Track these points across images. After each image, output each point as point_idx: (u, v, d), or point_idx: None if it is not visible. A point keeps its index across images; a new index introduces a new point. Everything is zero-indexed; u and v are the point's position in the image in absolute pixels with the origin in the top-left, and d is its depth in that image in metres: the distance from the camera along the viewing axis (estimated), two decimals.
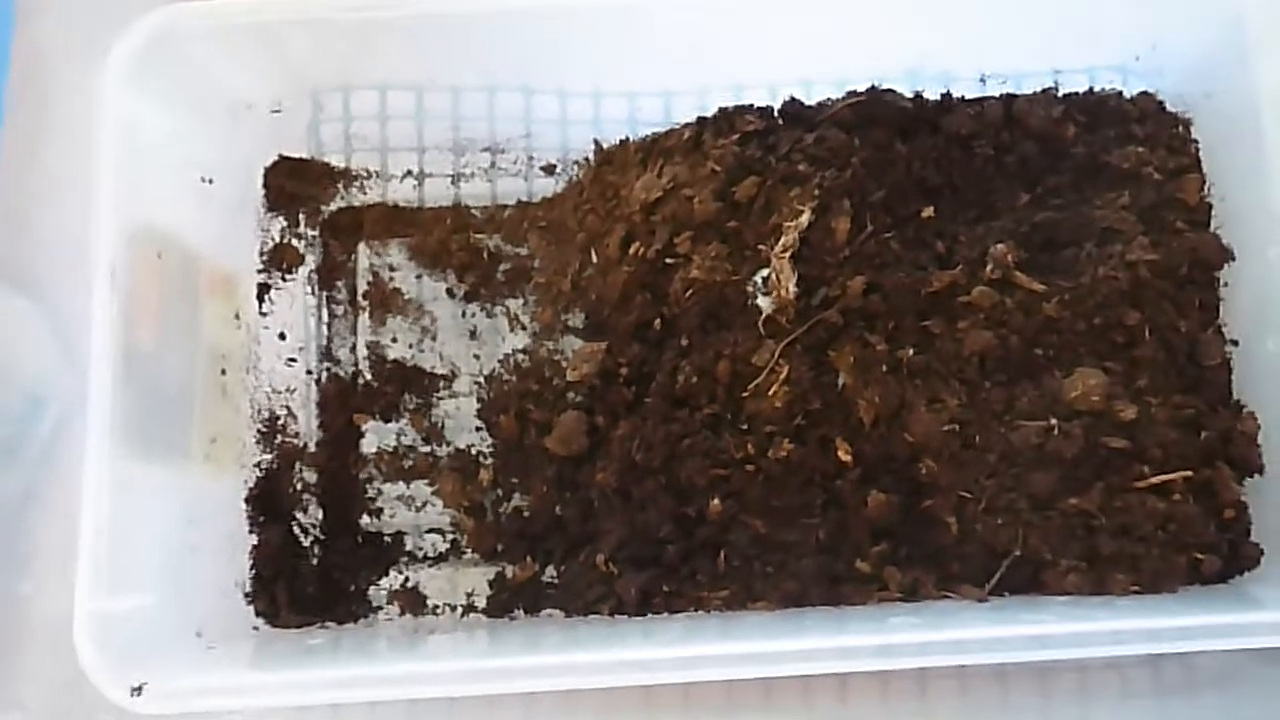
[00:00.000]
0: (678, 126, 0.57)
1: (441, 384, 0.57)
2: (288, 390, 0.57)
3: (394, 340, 0.58)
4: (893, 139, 0.55)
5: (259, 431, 0.56)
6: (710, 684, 0.52)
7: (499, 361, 0.57)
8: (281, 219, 0.59)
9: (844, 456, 0.51)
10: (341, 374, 0.58)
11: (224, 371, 0.54)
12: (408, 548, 0.56)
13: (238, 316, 0.56)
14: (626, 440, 0.52)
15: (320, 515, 0.56)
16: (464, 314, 0.58)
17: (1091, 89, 0.57)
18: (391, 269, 0.59)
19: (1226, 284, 0.54)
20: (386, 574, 0.55)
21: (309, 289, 0.58)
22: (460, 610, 0.55)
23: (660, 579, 0.51)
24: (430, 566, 0.56)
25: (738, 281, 0.53)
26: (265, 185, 0.58)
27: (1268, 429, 0.52)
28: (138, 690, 0.44)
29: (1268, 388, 0.53)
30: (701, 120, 0.56)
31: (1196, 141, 0.56)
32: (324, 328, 0.58)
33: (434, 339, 0.58)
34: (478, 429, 0.57)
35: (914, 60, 0.57)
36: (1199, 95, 0.56)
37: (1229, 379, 0.54)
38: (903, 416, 0.51)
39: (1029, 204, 0.55)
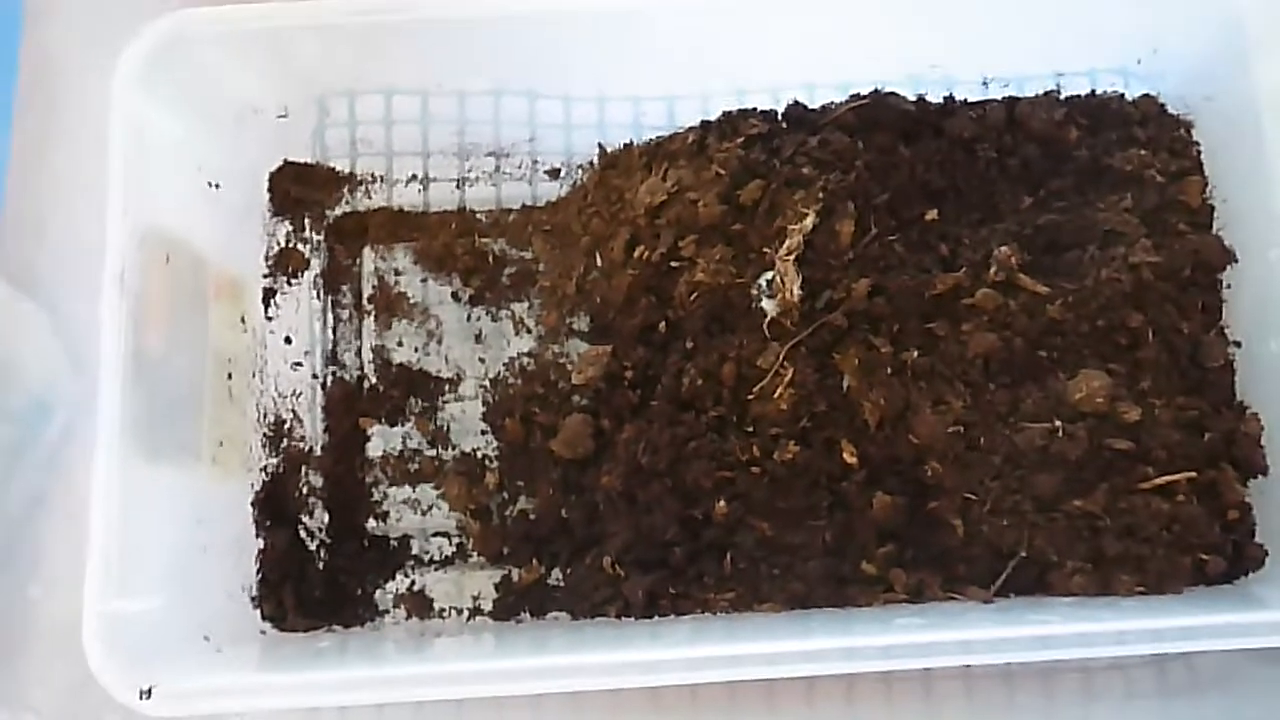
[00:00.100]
0: (681, 130, 0.57)
1: (447, 387, 0.58)
2: (293, 394, 0.57)
3: (399, 344, 0.58)
4: (896, 142, 0.55)
5: (265, 435, 0.56)
6: (716, 685, 0.52)
7: (504, 365, 0.57)
8: (287, 223, 0.59)
9: (849, 458, 0.51)
10: (347, 378, 0.58)
11: (230, 375, 0.54)
12: (414, 551, 0.56)
13: (244, 321, 0.56)
14: (632, 443, 0.52)
15: (326, 519, 0.56)
16: (469, 318, 0.58)
17: (1093, 92, 0.57)
18: (397, 273, 0.59)
19: (1229, 286, 0.55)
20: (393, 577, 0.56)
21: (314, 293, 0.59)
22: (467, 613, 0.55)
23: (666, 581, 0.52)
24: (436, 570, 0.56)
25: (742, 284, 0.53)
26: (271, 190, 0.58)
27: (1271, 430, 0.52)
28: (147, 693, 0.44)
29: (1271, 389, 0.53)
30: (705, 124, 0.57)
31: (1198, 144, 0.56)
32: (329, 332, 0.59)
33: (439, 343, 0.58)
34: (483, 432, 0.57)
35: (916, 64, 0.57)
36: (1200, 98, 0.56)
37: (1232, 380, 0.54)
38: (907, 418, 0.51)
39: (1032, 206, 0.55)
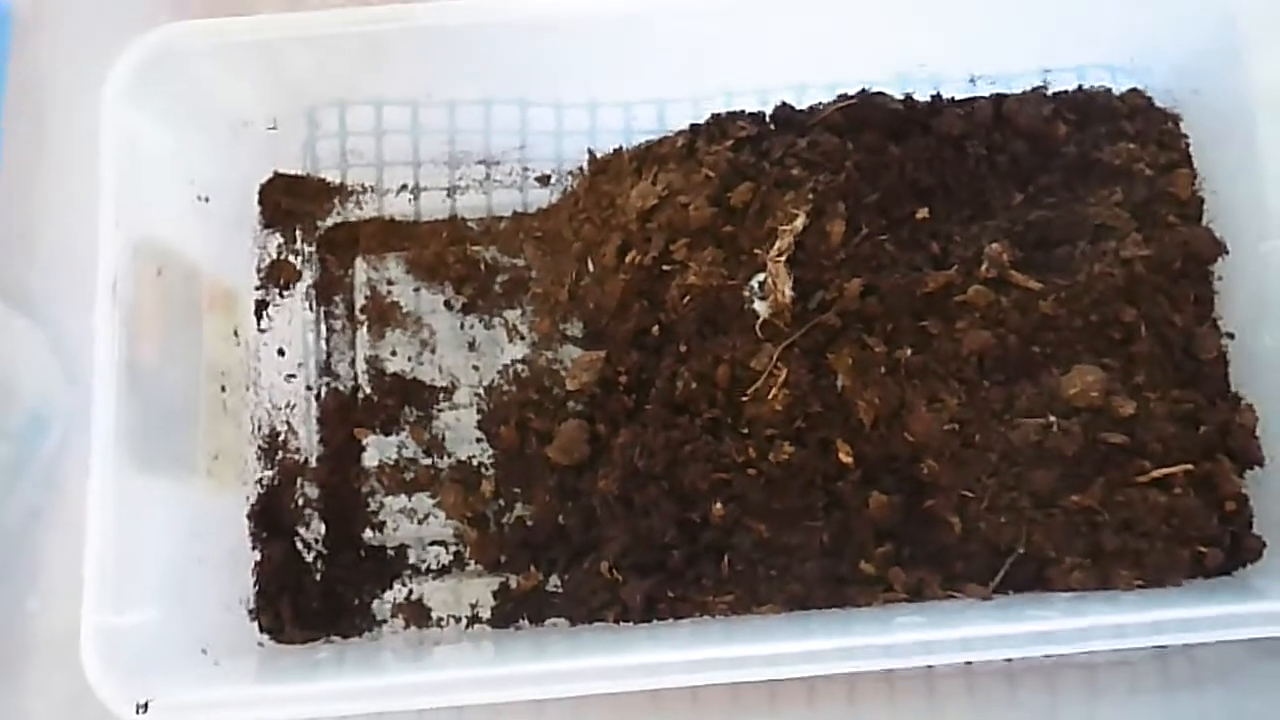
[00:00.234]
0: (671, 134, 0.57)
1: (441, 396, 0.58)
2: (288, 406, 0.57)
3: (393, 353, 0.58)
4: (885, 141, 0.55)
5: (260, 448, 0.56)
6: (717, 687, 0.51)
7: (498, 372, 0.57)
8: (278, 235, 0.59)
9: (845, 458, 0.51)
10: (341, 388, 0.58)
11: (224, 388, 0.54)
12: (411, 560, 0.56)
13: (236, 333, 0.56)
14: (627, 447, 0.52)
15: (323, 530, 0.56)
16: (462, 326, 0.58)
17: (1081, 87, 0.57)
18: (389, 283, 0.59)
19: (1220, 278, 0.55)
20: (390, 587, 0.55)
21: (307, 304, 0.59)
22: (465, 622, 0.55)
23: (665, 584, 0.51)
24: (434, 579, 0.56)
25: (734, 286, 0.53)
26: (261, 202, 0.58)
27: (1266, 421, 0.52)
28: (144, 706, 0.44)
29: (1265, 380, 0.53)
30: (694, 127, 0.57)
31: (1187, 137, 0.57)
32: (323, 343, 0.59)
33: (433, 351, 0.58)
34: (478, 440, 0.57)
35: (903, 63, 0.57)
36: (1188, 91, 0.57)
37: (1226, 372, 0.54)
38: (902, 417, 0.51)
39: (1022, 203, 0.55)
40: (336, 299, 0.59)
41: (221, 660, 0.49)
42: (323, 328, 0.59)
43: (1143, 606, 0.47)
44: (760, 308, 0.52)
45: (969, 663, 0.53)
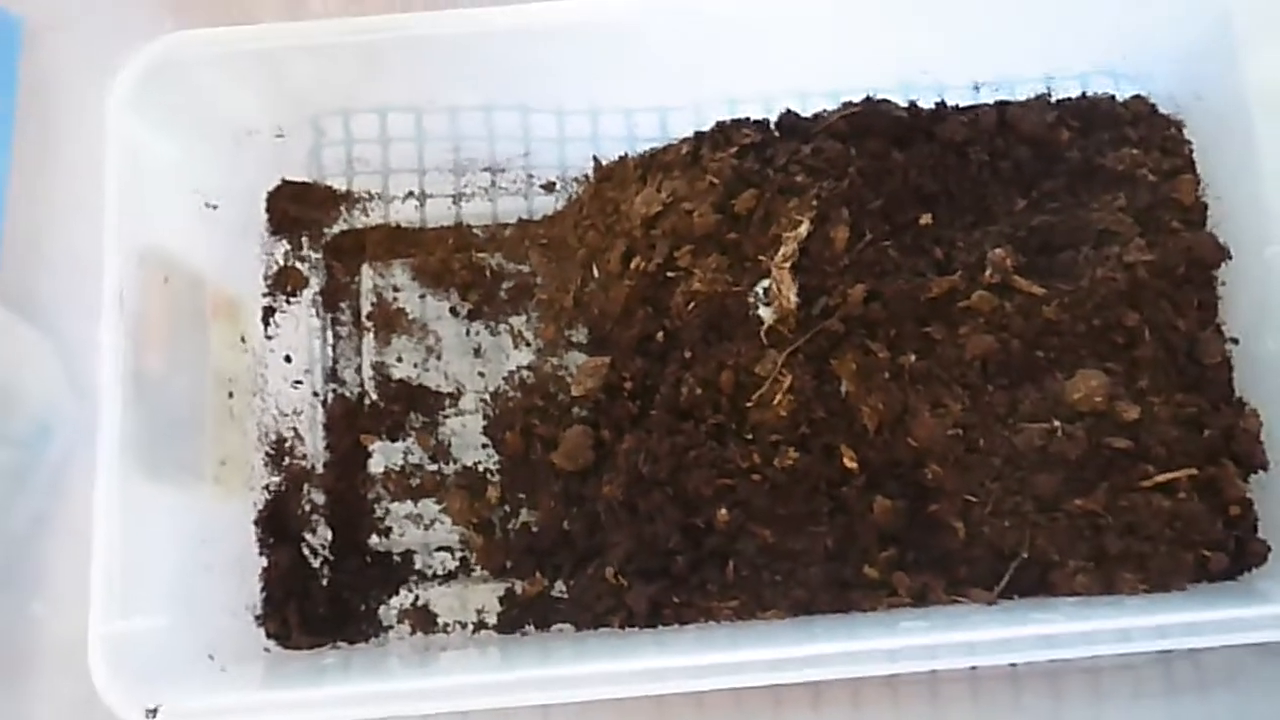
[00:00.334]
0: (675, 142, 0.57)
1: (447, 402, 0.58)
2: (294, 412, 0.57)
3: (399, 360, 0.58)
4: (888, 148, 0.55)
5: (267, 454, 0.56)
6: (722, 693, 0.52)
7: (504, 378, 0.58)
8: (285, 242, 0.59)
9: (849, 463, 0.51)
10: (347, 395, 0.58)
11: (231, 395, 0.54)
12: (417, 566, 0.56)
13: (243, 340, 0.56)
14: (632, 453, 0.53)
15: (329, 536, 0.56)
16: (468, 332, 0.59)
17: (1084, 94, 0.57)
18: (395, 289, 0.59)
19: (1224, 283, 0.55)
20: (396, 593, 0.56)
21: (313, 311, 0.59)
22: (471, 627, 0.55)
23: (669, 590, 0.52)
24: (440, 584, 0.56)
25: (739, 293, 0.53)
26: (268, 209, 0.59)
27: (1270, 425, 0.52)
28: (152, 713, 0.44)
29: (1269, 384, 0.53)
30: (699, 135, 0.57)
31: (1190, 143, 0.57)
32: (329, 349, 0.59)
33: (439, 358, 0.58)
34: (484, 446, 0.57)
35: (907, 70, 0.57)
36: (1190, 97, 0.57)
37: (1230, 377, 0.54)
38: (906, 422, 0.51)
39: (1025, 208, 0.55)
40: (343, 306, 0.59)
41: (228, 666, 0.49)
42: (329, 334, 0.59)
43: (1147, 610, 0.47)
44: (765, 314, 0.53)
45: (973, 667, 0.53)
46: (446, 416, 0.58)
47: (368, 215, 0.60)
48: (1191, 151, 0.57)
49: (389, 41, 0.53)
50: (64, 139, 0.58)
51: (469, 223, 0.60)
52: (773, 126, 0.57)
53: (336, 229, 0.60)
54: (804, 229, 0.53)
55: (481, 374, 0.58)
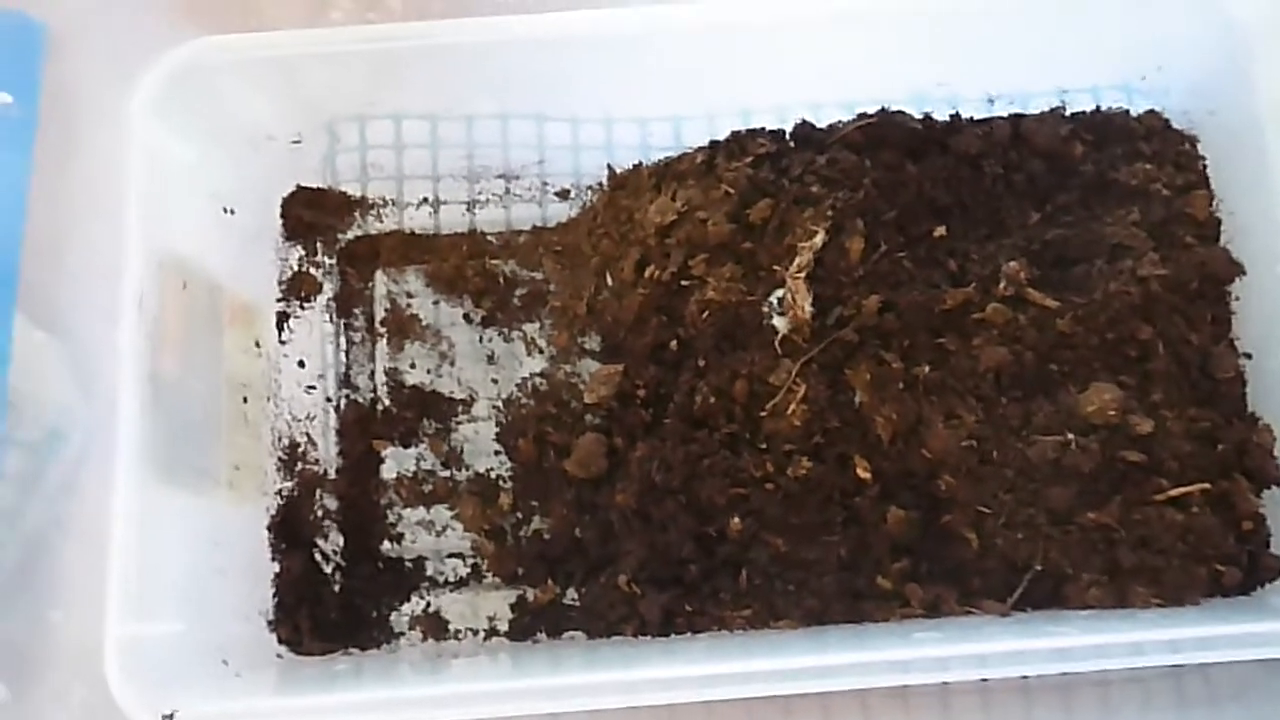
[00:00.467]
0: (690, 151, 0.57)
1: (460, 409, 0.58)
2: (307, 418, 0.57)
3: (412, 366, 0.59)
4: (903, 159, 0.55)
5: (280, 459, 0.56)
6: (732, 702, 0.52)
7: (517, 385, 0.58)
8: (299, 248, 0.59)
9: (863, 474, 0.51)
10: (361, 400, 0.58)
11: (245, 400, 0.54)
12: (429, 573, 0.56)
13: (258, 345, 0.56)
14: (645, 461, 0.53)
15: (341, 542, 0.56)
16: (481, 339, 0.59)
17: (1098, 108, 0.58)
18: (409, 295, 0.59)
19: (1238, 298, 0.55)
20: (408, 599, 0.56)
21: (327, 317, 0.59)
22: (482, 634, 0.55)
23: (682, 599, 0.52)
24: (451, 591, 0.56)
25: (753, 302, 0.53)
26: (283, 215, 0.59)
27: None
28: (169, 718, 0.44)
29: None
30: (714, 144, 0.57)
31: (1204, 158, 0.57)
32: (343, 355, 0.59)
33: (452, 364, 0.58)
34: (496, 453, 0.57)
35: (921, 82, 0.57)
36: (1204, 112, 0.57)
37: (1243, 392, 0.54)
38: (920, 433, 0.51)
39: (1039, 222, 0.55)
40: (356, 311, 0.59)
41: (242, 672, 0.49)
42: (343, 340, 0.59)
43: (1160, 625, 0.47)
44: (779, 323, 0.53)
45: (984, 679, 0.53)
46: (459, 423, 0.58)
47: (382, 221, 0.60)
48: (1205, 167, 0.57)
49: (406, 49, 0.53)
50: (84, 144, 0.59)
51: (483, 229, 0.60)
52: (788, 137, 0.57)
53: (351, 235, 0.60)
54: (819, 239, 0.53)
55: (494, 381, 0.58)
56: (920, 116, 0.57)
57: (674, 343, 0.54)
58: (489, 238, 0.60)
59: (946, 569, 0.51)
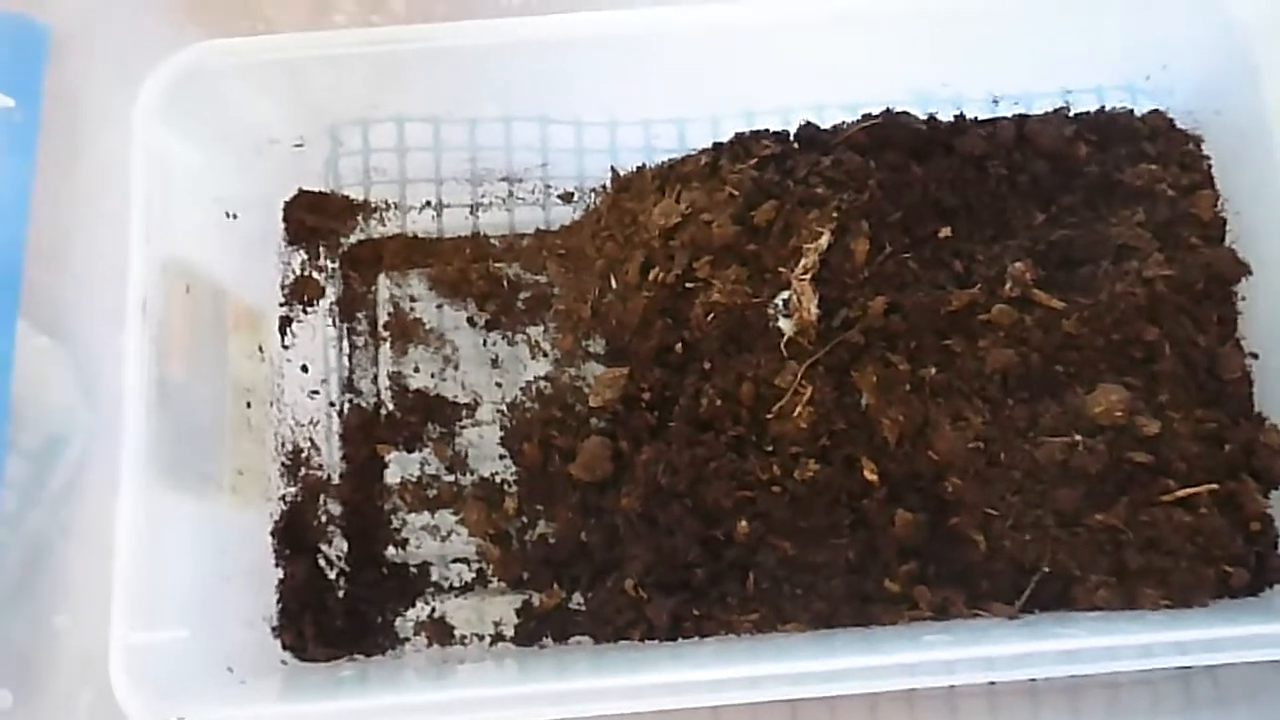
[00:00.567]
0: (694, 152, 0.57)
1: (464, 413, 0.58)
2: (311, 422, 0.57)
3: (416, 370, 0.58)
4: (908, 161, 0.55)
5: (283, 464, 0.56)
6: (740, 707, 0.51)
7: (521, 389, 0.57)
8: (302, 252, 0.59)
9: (870, 476, 0.51)
10: (364, 405, 0.58)
11: (249, 405, 0.54)
12: (433, 578, 0.56)
13: (261, 350, 0.56)
14: (651, 465, 0.52)
15: (345, 547, 0.56)
16: (485, 342, 0.58)
17: (1103, 108, 0.58)
18: (412, 299, 0.59)
19: (1244, 298, 0.55)
20: (413, 605, 0.55)
21: (330, 321, 0.59)
22: (488, 640, 0.54)
23: (690, 603, 0.51)
24: (457, 596, 0.55)
25: (758, 304, 0.53)
26: (286, 219, 0.59)
27: None
28: None
29: None
30: (718, 146, 0.57)
31: (1208, 158, 0.57)
32: (346, 359, 0.59)
33: (456, 368, 0.58)
34: (501, 457, 0.57)
35: (925, 83, 0.57)
36: (1209, 112, 0.57)
37: (1250, 392, 0.54)
38: (927, 435, 0.51)
39: (1044, 222, 0.55)
40: (360, 315, 0.59)
41: (248, 679, 0.49)
42: (346, 344, 0.59)
43: (1168, 626, 0.47)
44: (785, 325, 0.53)
45: (992, 682, 0.53)
46: (464, 427, 0.57)
47: (385, 225, 0.60)
48: (1210, 167, 0.57)
49: (409, 52, 0.53)
50: (87, 147, 0.58)
51: (486, 233, 0.60)
52: (792, 138, 0.57)
53: (353, 239, 0.60)
54: (824, 241, 0.53)
55: (499, 384, 0.58)
56: (925, 117, 0.57)
57: (679, 345, 0.54)
58: (492, 241, 0.60)
59: (954, 571, 0.51)
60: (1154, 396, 0.52)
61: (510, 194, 0.60)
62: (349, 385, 0.58)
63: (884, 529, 0.51)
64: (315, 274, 0.59)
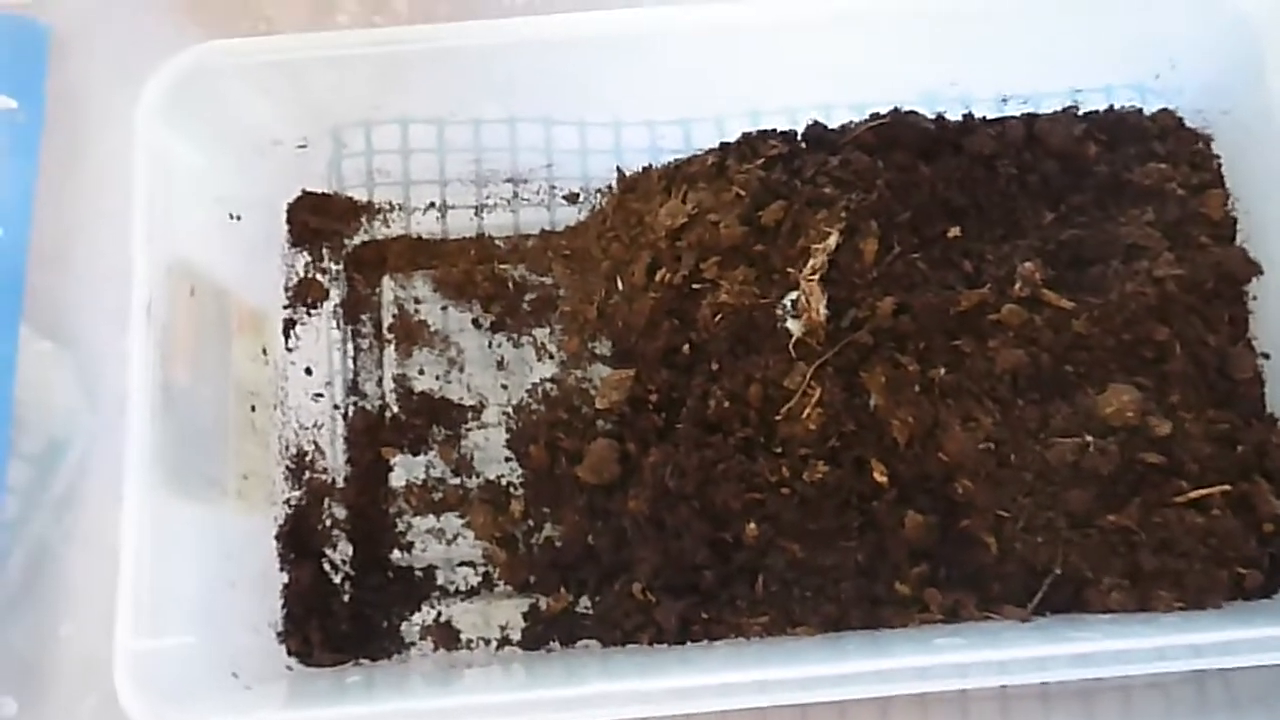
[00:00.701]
0: (700, 153, 0.57)
1: (470, 415, 0.57)
2: (315, 426, 0.57)
3: (421, 372, 0.58)
4: (916, 160, 0.55)
5: (288, 468, 0.55)
6: (747, 711, 0.51)
7: (527, 391, 0.57)
8: (305, 254, 0.59)
9: (879, 477, 0.51)
10: (369, 408, 0.58)
11: (253, 408, 0.54)
12: (439, 582, 0.55)
13: (265, 352, 0.55)
14: (659, 467, 0.52)
15: (351, 551, 0.56)
16: (490, 344, 0.58)
17: (1111, 107, 0.57)
18: (417, 301, 0.59)
19: (1255, 297, 0.54)
20: (419, 609, 0.55)
21: (334, 323, 0.58)
22: (494, 644, 0.54)
23: (699, 606, 0.51)
24: (463, 600, 0.55)
25: (766, 305, 0.53)
26: (289, 221, 0.58)
27: None
28: None
29: None
30: (724, 146, 0.57)
31: (1218, 157, 0.57)
32: (350, 362, 0.58)
33: (461, 370, 0.58)
34: (507, 459, 0.56)
35: (932, 82, 0.57)
36: (1218, 111, 0.57)
37: (1262, 392, 0.53)
38: (937, 436, 0.51)
39: (1054, 222, 0.55)
40: (364, 318, 0.59)
41: (253, 684, 0.48)
42: (350, 347, 0.58)
43: (1181, 629, 0.47)
44: (793, 326, 0.52)
45: (1004, 686, 0.52)
46: (469, 430, 0.57)
47: (389, 226, 0.59)
48: (1220, 166, 0.56)
49: (412, 53, 0.53)
50: (90, 149, 0.58)
51: (491, 234, 0.59)
52: (799, 138, 0.57)
53: (357, 240, 0.59)
54: (832, 241, 0.52)
55: (504, 386, 0.57)
56: (933, 117, 0.56)
57: (686, 347, 0.54)
58: (497, 242, 0.59)
59: (965, 574, 0.51)
60: (1165, 397, 0.51)
61: (515, 195, 0.60)
62: (353, 388, 0.58)
63: (894, 531, 0.51)
64: (319, 276, 0.58)
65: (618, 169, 0.59)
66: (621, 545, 0.53)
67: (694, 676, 0.46)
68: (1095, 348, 0.52)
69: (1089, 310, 0.52)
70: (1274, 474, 0.51)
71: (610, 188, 0.59)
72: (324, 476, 0.56)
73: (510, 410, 0.57)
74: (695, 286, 0.54)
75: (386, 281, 0.59)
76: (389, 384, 0.58)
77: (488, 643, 0.54)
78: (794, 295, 0.52)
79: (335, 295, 0.59)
